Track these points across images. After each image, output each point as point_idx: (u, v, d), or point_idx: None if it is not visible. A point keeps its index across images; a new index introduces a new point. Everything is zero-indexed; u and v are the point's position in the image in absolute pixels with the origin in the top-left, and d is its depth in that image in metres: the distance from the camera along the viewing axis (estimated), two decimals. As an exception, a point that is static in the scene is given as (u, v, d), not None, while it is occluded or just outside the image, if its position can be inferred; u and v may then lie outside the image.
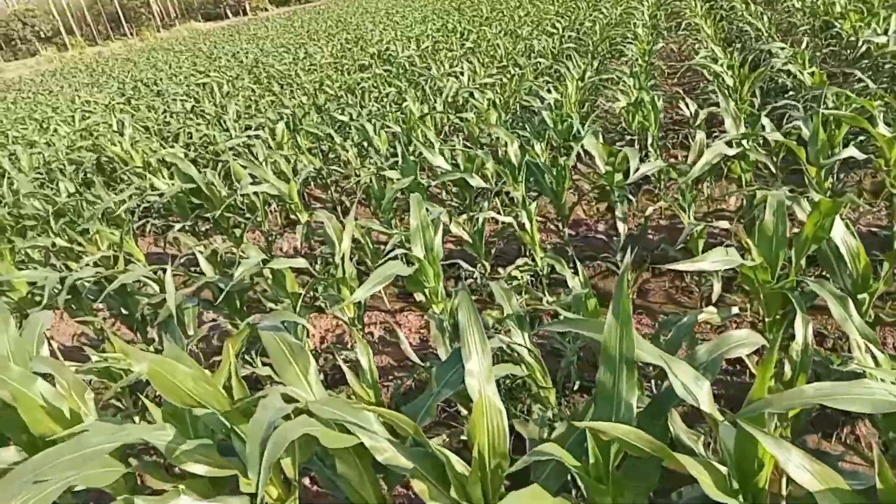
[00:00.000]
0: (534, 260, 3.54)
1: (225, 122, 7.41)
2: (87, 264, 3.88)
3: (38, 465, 1.63)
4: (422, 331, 3.74)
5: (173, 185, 4.74)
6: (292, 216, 4.59)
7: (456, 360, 1.78)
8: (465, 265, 3.60)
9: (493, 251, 3.88)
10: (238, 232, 4.64)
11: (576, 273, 2.63)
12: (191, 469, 1.76)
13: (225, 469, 1.81)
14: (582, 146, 3.75)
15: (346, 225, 3.12)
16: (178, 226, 4.50)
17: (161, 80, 14.00)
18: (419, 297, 3.98)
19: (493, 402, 1.66)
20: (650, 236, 3.92)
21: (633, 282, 3.46)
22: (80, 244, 4.54)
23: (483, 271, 3.70)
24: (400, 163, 4.24)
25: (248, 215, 4.87)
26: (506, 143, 4.06)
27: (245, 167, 4.42)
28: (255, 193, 4.43)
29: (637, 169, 3.21)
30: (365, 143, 5.85)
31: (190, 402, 1.71)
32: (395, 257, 2.96)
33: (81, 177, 6.57)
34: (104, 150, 7.25)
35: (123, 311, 3.51)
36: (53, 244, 4.64)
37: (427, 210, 3.02)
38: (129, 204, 4.45)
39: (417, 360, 2.40)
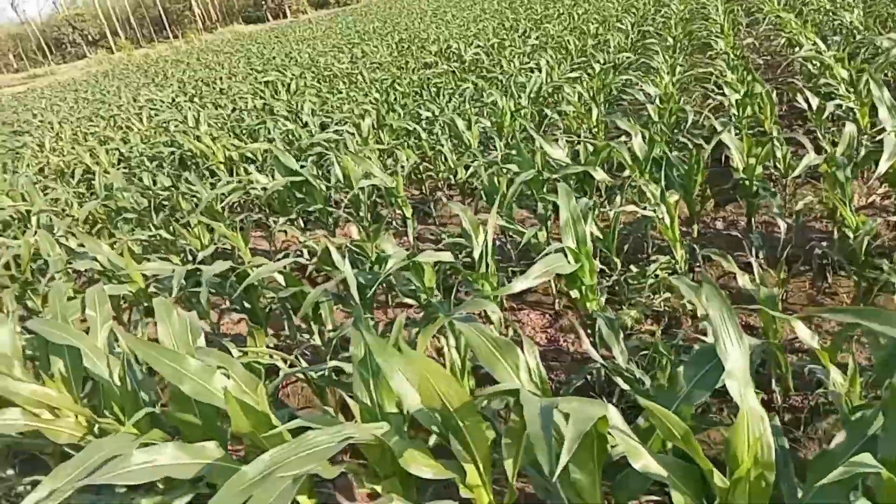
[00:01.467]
0: (673, 257, 3.36)
1: (301, 118, 7.37)
2: (206, 257, 3.83)
3: (270, 464, 1.52)
4: (548, 330, 3.59)
5: (273, 180, 4.67)
6: (398, 211, 4.48)
7: (704, 360, 1.63)
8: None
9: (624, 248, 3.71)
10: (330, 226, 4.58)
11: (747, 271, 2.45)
12: (416, 471, 1.63)
13: (446, 472, 1.69)
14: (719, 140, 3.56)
15: (489, 219, 2.99)
16: (281, 219, 4.42)
17: (220, 78, 14.11)
18: (532, 296, 3.85)
19: (755, 408, 1.50)
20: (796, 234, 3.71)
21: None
22: (183, 237, 4.50)
23: (614, 268, 3.54)
24: (514, 156, 4.10)
25: (345, 210, 4.79)
26: (629, 135, 3.89)
27: (349, 162, 4.33)
28: (361, 188, 4.33)
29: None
30: (452, 139, 5.73)
31: (435, 401, 1.58)
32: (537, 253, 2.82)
33: (166, 171, 6.58)
34: (182, 145, 7.27)
35: (246, 305, 3.43)
36: (155, 237, 4.61)
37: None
38: (230, 198, 4.40)
39: (599, 359, 2.25)
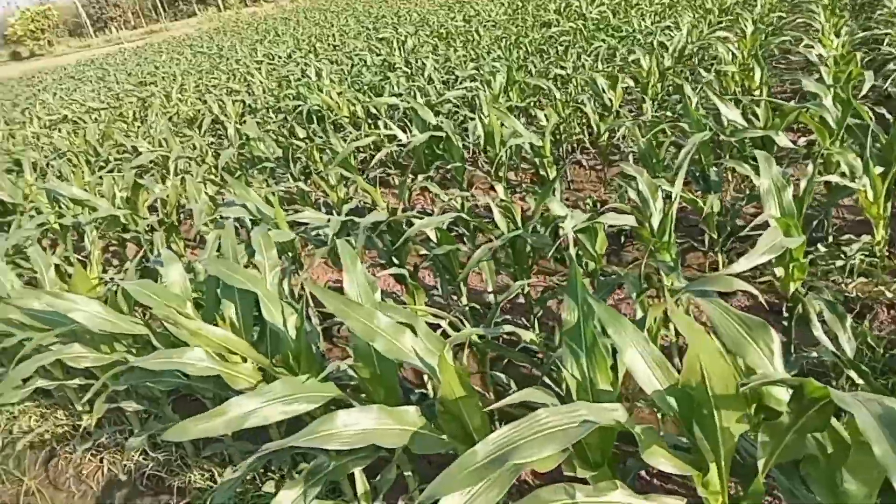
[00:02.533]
0: (873, 237, 2.96)
1: (424, 75, 7.18)
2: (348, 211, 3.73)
3: (502, 445, 1.35)
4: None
5: (413, 135, 4.51)
6: (542, 172, 4.23)
7: None
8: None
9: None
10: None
11: None
12: (656, 464, 1.42)
13: (686, 468, 1.47)
14: None
15: (676, 182, 2.69)
16: (420, 176, 4.27)
17: (332, 35, 14.14)
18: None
19: None
20: None
21: None
22: (323, 190, 4.44)
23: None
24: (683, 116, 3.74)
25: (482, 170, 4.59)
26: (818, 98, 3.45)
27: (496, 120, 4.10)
28: (505, 147, 4.09)
29: None
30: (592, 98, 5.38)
31: (697, 381, 1.36)
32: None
33: (290, 124, 6.58)
34: (306, 99, 7.27)
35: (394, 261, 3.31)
36: (293, 188, 4.58)
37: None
38: (380, 154, 4.28)
39: (832, 347, 1.96)
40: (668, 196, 3.15)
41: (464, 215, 2.92)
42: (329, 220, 3.15)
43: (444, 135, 4.41)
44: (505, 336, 2.93)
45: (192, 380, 2.39)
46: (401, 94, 6.67)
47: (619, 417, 1.44)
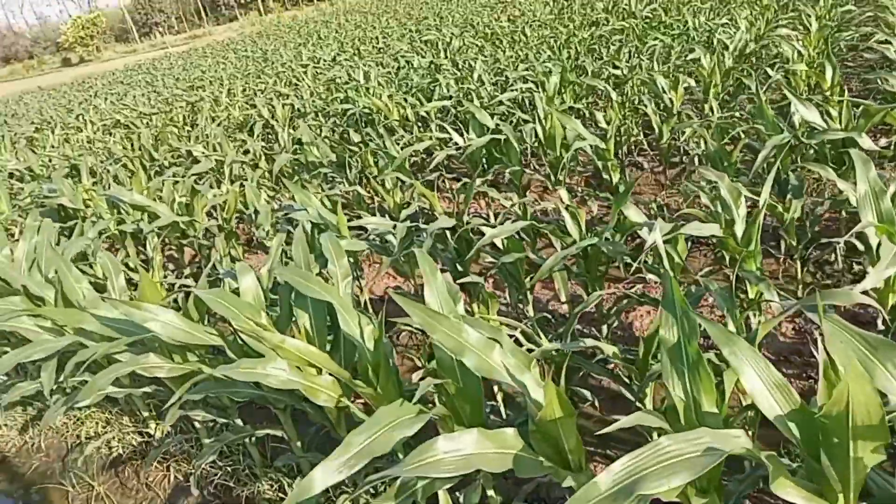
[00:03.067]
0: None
1: (474, 76, 7.10)
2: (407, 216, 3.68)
3: (626, 475, 1.27)
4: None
5: (471, 138, 4.44)
6: (605, 176, 4.11)
7: None
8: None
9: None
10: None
11: None
12: (788, 496, 1.32)
13: (816, 500, 1.36)
14: None
15: (764, 187, 2.56)
16: (478, 180, 4.19)
17: (376, 38, 14.18)
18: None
19: None
20: None
21: None
22: (380, 195, 4.40)
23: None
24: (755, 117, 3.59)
25: (540, 174, 4.49)
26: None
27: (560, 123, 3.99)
28: (567, 150, 3.98)
29: None
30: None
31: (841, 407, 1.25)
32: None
33: (342, 128, 6.58)
34: (356, 102, 7.27)
35: (458, 269, 3.24)
36: (351, 192, 4.55)
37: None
38: (439, 158, 4.22)
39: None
40: (752, 202, 3.02)
41: (535, 223, 2.83)
42: (395, 226, 3.09)
43: (502, 138, 4.33)
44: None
45: (266, 391, 2.37)
46: (451, 97, 6.62)
47: (745, 444, 1.34)
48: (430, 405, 2.05)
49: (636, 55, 6.92)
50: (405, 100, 6.61)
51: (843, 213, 3.64)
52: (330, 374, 2.15)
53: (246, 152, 6.12)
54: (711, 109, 4.62)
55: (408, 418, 1.67)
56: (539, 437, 1.71)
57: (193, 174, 4.99)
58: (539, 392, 1.80)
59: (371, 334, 2.24)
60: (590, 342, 2.23)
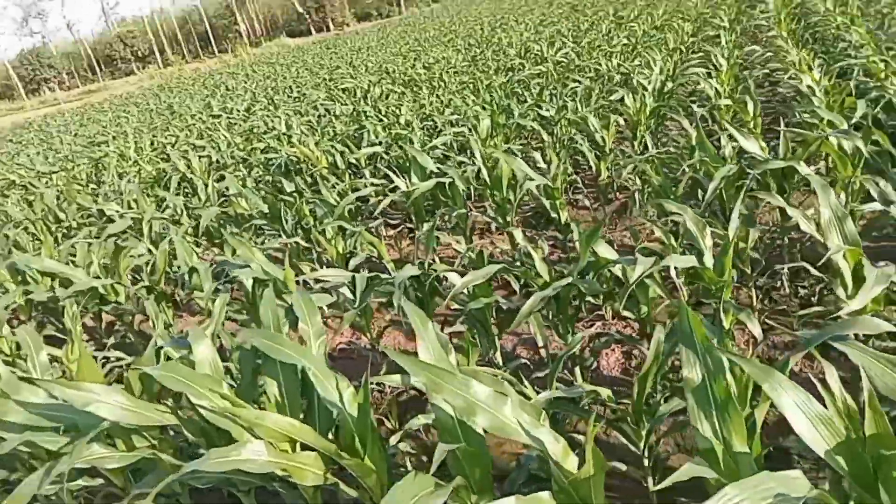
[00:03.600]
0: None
1: (400, 122, 7.05)
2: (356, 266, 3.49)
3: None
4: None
5: (413, 184, 4.33)
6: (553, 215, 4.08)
7: None
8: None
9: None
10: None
11: None
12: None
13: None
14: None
15: (730, 218, 2.57)
16: (425, 226, 4.06)
17: (290, 87, 13.98)
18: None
19: None
20: None
21: None
22: (320, 245, 4.18)
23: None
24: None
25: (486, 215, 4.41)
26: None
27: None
28: (519, 189, 3.94)
29: None
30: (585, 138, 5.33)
31: None
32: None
33: (268, 179, 6.32)
34: (278, 150, 7.04)
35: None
36: (290, 244, 4.31)
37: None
38: (383, 204, 4.06)
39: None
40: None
41: (507, 266, 2.71)
42: (353, 278, 2.90)
43: (447, 181, 4.25)
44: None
45: (232, 473, 2.09)
46: (380, 143, 6.52)
47: (807, 485, 1.24)
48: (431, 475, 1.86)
49: (558, 97, 7.11)
50: (333, 147, 6.44)
51: (786, 239, 3.76)
52: (310, 449, 1.91)
53: (164, 209, 5.73)
54: (645, 146, 4.73)
55: (427, 493, 1.47)
56: (565, 497, 1.56)
57: (110, 235, 4.59)
58: (557, 448, 1.65)
59: (352, 398, 2.03)
60: (587, 387, 2.12)
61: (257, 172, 6.58)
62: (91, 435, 1.92)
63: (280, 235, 4.86)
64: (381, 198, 4.51)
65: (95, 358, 3.69)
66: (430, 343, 1.92)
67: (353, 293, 2.90)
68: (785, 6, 9.70)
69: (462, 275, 3.00)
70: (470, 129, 5.80)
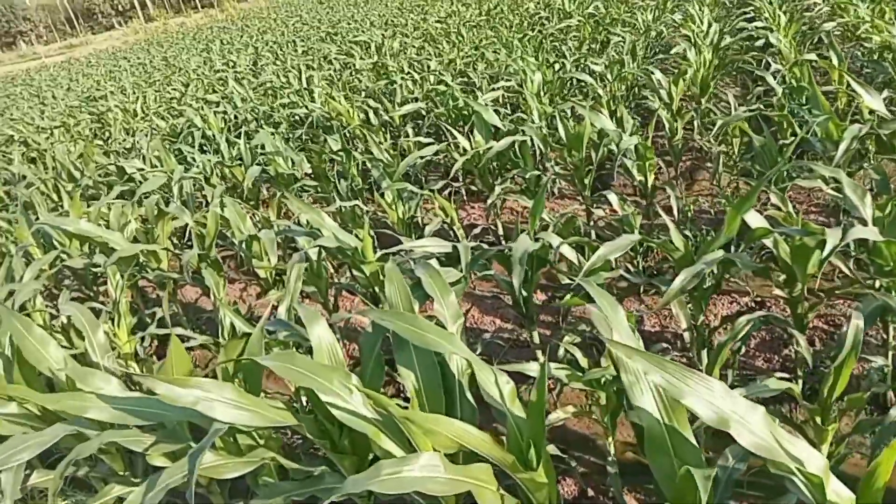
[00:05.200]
0: None
1: (431, 79, 6.59)
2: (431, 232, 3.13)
3: None
4: None
5: (480, 143, 3.94)
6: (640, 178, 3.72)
7: None
8: None
9: None
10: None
11: None
12: None
13: None
14: None
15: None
16: (498, 188, 3.70)
17: (293, 42, 13.32)
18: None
19: None
20: None
21: None
22: (381, 208, 3.80)
23: None
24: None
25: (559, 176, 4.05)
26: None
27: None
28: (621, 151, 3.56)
29: None
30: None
31: None
32: None
33: (297, 135, 5.88)
34: (303, 106, 6.58)
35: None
36: (352, 208, 3.93)
37: None
38: (457, 165, 3.67)
39: None
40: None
41: (646, 238, 2.37)
42: (459, 247, 2.54)
43: (518, 140, 3.87)
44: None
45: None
46: (416, 99, 6.09)
47: None
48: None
49: (603, 52, 6.69)
50: (366, 104, 6.00)
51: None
52: (479, 459, 1.58)
53: (188, 167, 5.29)
54: (728, 103, 4.37)
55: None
56: None
57: (144, 193, 4.18)
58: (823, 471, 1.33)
59: (511, 396, 1.70)
60: (779, 380, 1.80)
61: (283, 130, 6.13)
62: (209, 440, 1.58)
63: (326, 197, 4.48)
64: (441, 156, 4.12)
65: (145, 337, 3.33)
66: (623, 330, 1.58)
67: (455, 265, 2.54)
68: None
69: (574, 246, 2.67)
70: (519, 84, 5.38)
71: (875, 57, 4.86)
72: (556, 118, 4.25)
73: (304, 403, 2.16)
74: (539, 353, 2.99)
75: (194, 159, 5.12)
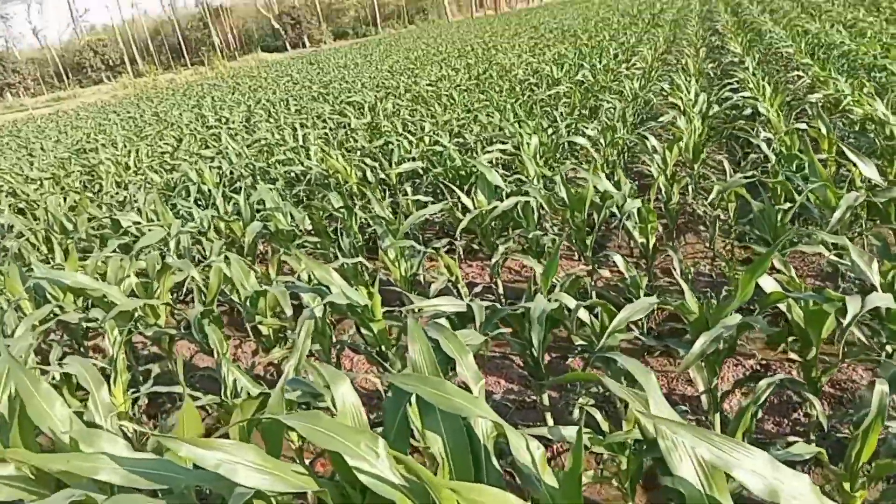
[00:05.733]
0: None
1: (426, 140, 6.70)
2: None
3: None
4: None
5: (482, 203, 3.99)
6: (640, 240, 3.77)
7: None
8: None
9: None
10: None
11: None
12: None
13: None
14: None
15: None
16: (501, 248, 3.72)
17: (285, 101, 13.54)
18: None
19: None
20: None
21: None
22: (382, 265, 3.80)
23: None
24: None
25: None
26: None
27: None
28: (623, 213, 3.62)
29: None
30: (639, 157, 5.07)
31: None
32: None
33: (294, 192, 5.90)
34: (299, 163, 6.64)
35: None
36: (355, 265, 3.91)
37: None
38: (463, 223, 3.69)
39: None
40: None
41: (661, 301, 2.39)
42: (473, 306, 2.53)
43: (521, 200, 3.92)
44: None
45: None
46: (413, 158, 6.18)
47: None
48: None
49: (596, 118, 6.88)
50: (363, 162, 6.08)
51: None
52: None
53: (185, 221, 5.26)
54: (718, 168, 4.49)
55: None
56: None
57: (142, 248, 4.14)
58: None
59: (542, 462, 1.67)
60: (809, 448, 1.79)
61: (279, 186, 6.16)
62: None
63: (325, 254, 4.47)
64: (442, 215, 4.15)
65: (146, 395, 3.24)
66: (657, 398, 1.57)
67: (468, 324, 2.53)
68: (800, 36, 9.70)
69: (587, 308, 2.67)
70: (516, 147, 5.50)
71: (857, 128, 5.06)
72: (554, 180, 4.34)
73: (308, 466, 2.09)
74: (548, 415, 2.95)
75: (191, 214, 5.09)
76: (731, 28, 12.37)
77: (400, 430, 1.87)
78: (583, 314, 2.63)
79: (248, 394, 2.58)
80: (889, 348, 2.41)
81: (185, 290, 4.54)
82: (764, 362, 3.22)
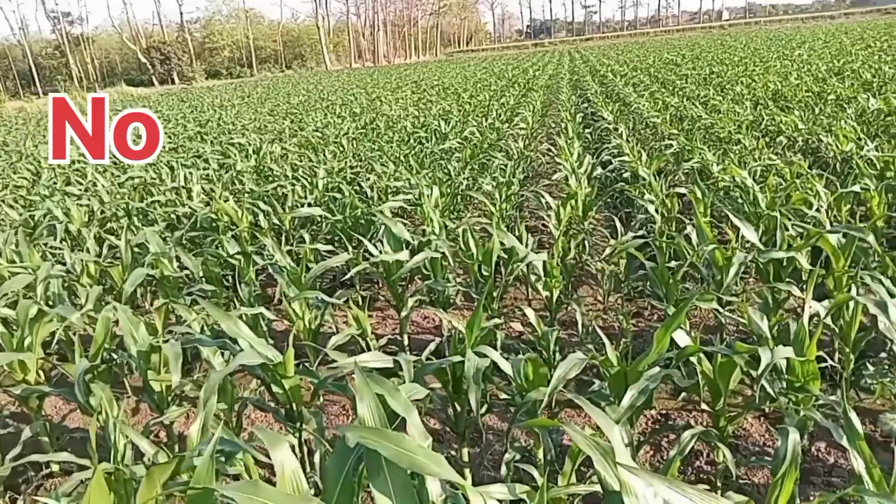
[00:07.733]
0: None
1: (319, 186, 6.60)
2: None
3: None
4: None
5: (388, 255, 3.96)
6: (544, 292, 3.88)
7: None
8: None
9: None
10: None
11: None
12: None
13: None
14: None
15: (806, 299, 2.54)
16: (410, 301, 3.69)
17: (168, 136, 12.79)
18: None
19: None
20: None
21: None
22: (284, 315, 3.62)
23: (845, 365, 3.17)
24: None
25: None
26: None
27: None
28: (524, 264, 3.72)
29: None
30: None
31: None
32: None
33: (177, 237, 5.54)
34: (181, 204, 6.28)
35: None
36: (249, 315, 3.69)
37: None
38: (353, 272, 3.60)
39: None
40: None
41: (595, 355, 2.45)
42: (401, 361, 2.46)
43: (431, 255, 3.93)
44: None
45: None
46: (310, 204, 6.05)
47: None
48: None
49: (478, 172, 7.12)
50: (256, 206, 5.85)
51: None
52: None
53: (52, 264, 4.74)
54: (615, 229, 4.77)
55: None
56: None
57: (4, 294, 3.67)
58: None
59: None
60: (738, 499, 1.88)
61: (159, 228, 5.76)
62: None
63: (219, 302, 4.20)
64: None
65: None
66: (621, 449, 1.59)
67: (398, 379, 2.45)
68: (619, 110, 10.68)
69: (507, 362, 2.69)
70: (417, 198, 5.54)
71: (722, 194, 5.61)
72: (457, 232, 4.42)
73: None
74: (466, 471, 2.90)
75: (62, 256, 4.61)
76: (600, 97, 13.40)
77: (344, 493, 1.75)
78: (508, 368, 2.64)
79: (150, 460, 2.32)
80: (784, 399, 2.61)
81: (55, 341, 4.07)
82: (665, 412, 3.39)
